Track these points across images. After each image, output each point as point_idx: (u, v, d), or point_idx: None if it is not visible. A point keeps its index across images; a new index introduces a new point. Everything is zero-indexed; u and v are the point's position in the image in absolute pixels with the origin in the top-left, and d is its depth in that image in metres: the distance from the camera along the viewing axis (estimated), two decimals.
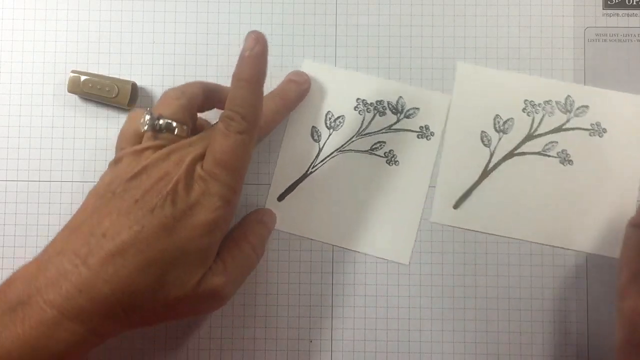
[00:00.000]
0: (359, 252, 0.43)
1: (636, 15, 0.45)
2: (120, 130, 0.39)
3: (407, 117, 0.44)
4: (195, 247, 0.34)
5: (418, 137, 0.44)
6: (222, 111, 0.36)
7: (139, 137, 0.37)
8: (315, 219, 0.44)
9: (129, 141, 0.38)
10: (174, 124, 0.37)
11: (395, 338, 0.43)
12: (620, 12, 0.45)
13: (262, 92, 0.37)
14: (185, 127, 0.37)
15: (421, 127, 0.44)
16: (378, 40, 0.45)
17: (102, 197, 0.35)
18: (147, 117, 0.37)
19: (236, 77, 0.36)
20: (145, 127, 0.37)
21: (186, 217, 0.34)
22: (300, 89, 0.43)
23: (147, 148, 0.36)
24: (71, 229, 0.35)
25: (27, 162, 0.44)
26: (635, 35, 0.44)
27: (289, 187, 0.44)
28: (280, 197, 0.44)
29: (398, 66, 0.44)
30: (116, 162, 0.37)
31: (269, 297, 0.43)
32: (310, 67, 0.45)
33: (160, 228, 0.33)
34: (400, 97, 0.44)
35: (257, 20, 0.45)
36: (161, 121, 0.37)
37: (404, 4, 0.45)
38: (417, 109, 0.44)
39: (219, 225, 0.35)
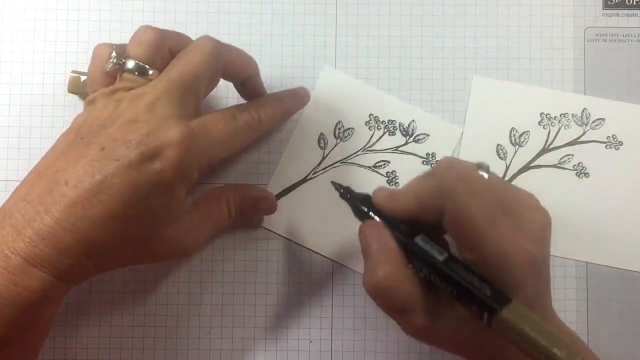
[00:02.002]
0: (343, 265, 0.43)
1: (636, 15, 0.45)
2: (88, 70, 0.37)
3: (416, 141, 0.44)
4: (161, 204, 0.34)
5: (423, 163, 0.44)
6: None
7: (108, 76, 0.36)
8: (305, 224, 0.43)
9: (99, 82, 0.36)
10: (144, 65, 0.35)
11: (395, 338, 0.43)
12: (620, 12, 0.45)
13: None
14: (155, 71, 0.36)
15: (428, 154, 0.44)
16: (378, 41, 0.45)
17: (71, 142, 0.34)
18: (113, 55, 0.35)
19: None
20: (109, 67, 0.35)
21: (152, 171, 0.33)
22: (300, 101, 0.43)
23: (116, 89, 0.35)
24: (38, 172, 0.34)
25: (27, 162, 0.44)
26: (635, 35, 0.44)
27: (287, 188, 0.44)
28: (276, 197, 0.44)
29: (398, 66, 0.44)
30: (90, 102, 0.36)
31: (269, 297, 0.43)
32: (328, 75, 0.44)
33: (124, 180, 0.32)
34: (413, 120, 0.44)
35: (257, 20, 0.45)
36: (128, 62, 0.35)
37: (404, 4, 0.45)
38: (428, 135, 0.44)
39: (183, 183, 0.35)
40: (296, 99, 0.42)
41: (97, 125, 0.34)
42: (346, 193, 0.38)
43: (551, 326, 0.32)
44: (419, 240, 0.33)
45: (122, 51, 0.36)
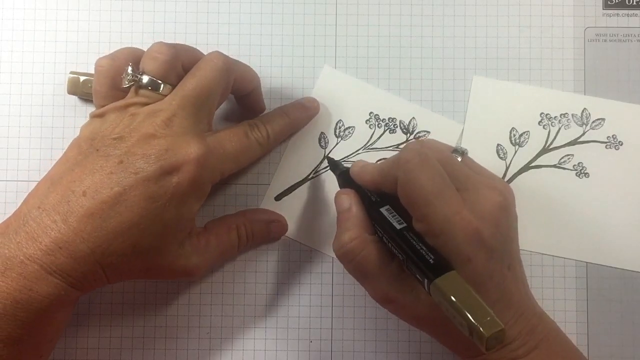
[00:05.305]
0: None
1: (636, 15, 0.45)
2: (93, 87, 0.38)
3: (417, 138, 0.44)
4: (174, 217, 0.34)
5: None
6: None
7: (117, 91, 0.37)
8: (308, 223, 0.43)
9: (108, 97, 0.37)
10: (157, 81, 0.36)
11: (395, 338, 0.43)
12: (620, 12, 0.45)
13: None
14: (168, 86, 0.36)
15: None
16: (378, 40, 0.45)
17: (85, 153, 0.35)
18: (130, 71, 0.36)
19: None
20: (126, 84, 0.36)
21: (169, 184, 0.34)
22: (307, 114, 0.43)
23: (131, 104, 0.36)
24: (51, 181, 0.35)
25: (27, 162, 0.44)
26: (635, 36, 0.44)
27: (288, 188, 0.44)
28: (278, 197, 0.44)
29: (398, 66, 0.44)
30: (99, 115, 0.36)
31: (269, 297, 0.43)
32: (328, 75, 0.44)
33: (142, 193, 0.33)
34: (413, 117, 0.44)
35: (257, 20, 0.45)
36: (144, 78, 0.36)
37: (404, 4, 0.45)
38: (428, 132, 0.44)
39: (197, 198, 0.36)
40: (303, 111, 0.43)
41: (112, 138, 0.35)
42: (334, 166, 0.41)
43: (519, 311, 0.34)
44: (383, 210, 0.35)
45: (135, 67, 0.36)
